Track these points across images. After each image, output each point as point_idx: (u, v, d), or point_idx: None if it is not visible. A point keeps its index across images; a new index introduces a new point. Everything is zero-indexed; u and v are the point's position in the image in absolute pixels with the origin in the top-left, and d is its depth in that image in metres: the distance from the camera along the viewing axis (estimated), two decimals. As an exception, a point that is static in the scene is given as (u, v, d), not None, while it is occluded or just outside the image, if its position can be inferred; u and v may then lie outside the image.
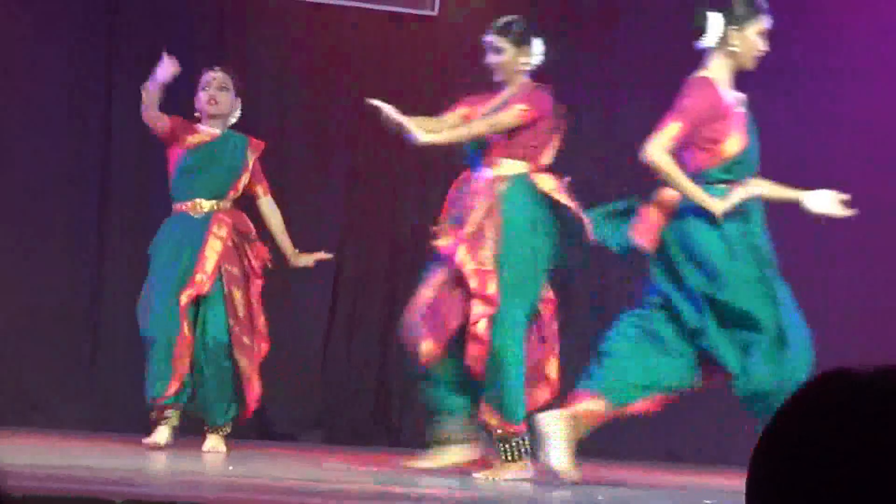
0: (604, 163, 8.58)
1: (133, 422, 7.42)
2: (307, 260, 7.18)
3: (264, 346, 7.07)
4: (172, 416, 6.96)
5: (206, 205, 7.05)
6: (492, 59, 6.62)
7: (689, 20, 6.45)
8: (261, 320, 7.08)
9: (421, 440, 8.24)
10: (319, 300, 8.53)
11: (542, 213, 6.40)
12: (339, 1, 8.66)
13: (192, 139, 7.09)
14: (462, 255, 6.28)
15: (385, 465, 6.89)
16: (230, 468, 6.44)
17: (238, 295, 6.98)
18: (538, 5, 8.89)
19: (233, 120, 7.21)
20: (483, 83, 8.62)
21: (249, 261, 7.05)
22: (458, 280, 6.35)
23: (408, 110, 8.68)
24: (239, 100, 7.19)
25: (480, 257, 6.26)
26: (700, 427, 8.73)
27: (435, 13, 8.70)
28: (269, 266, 7.12)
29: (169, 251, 6.98)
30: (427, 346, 6.46)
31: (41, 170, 8.30)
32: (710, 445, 8.53)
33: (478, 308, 6.24)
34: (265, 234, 7.24)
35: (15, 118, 8.21)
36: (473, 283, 6.23)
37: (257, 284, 7.08)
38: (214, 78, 7.07)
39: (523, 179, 6.40)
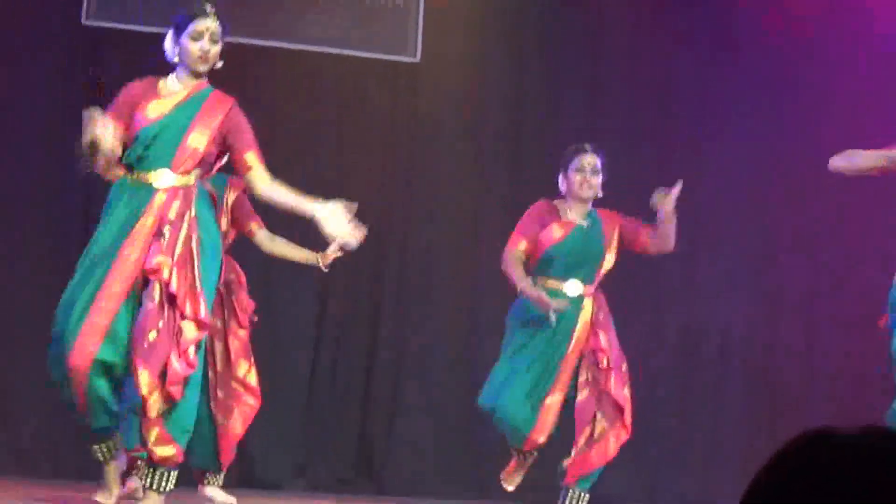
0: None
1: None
2: (333, 252, 6.84)
3: (252, 401, 6.76)
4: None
5: None
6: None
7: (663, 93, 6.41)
8: (246, 372, 6.76)
9: (404, 488, 8.23)
10: (302, 349, 8.47)
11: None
12: (322, 48, 8.61)
13: None
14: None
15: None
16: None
17: (219, 347, 6.72)
18: (522, 59, 8.90)
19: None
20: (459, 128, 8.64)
21: (234, 311, 6.79)
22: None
23: (389, 154, 8.72)
24: None
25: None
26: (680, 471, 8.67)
27: (417, 60, 8.72)
28: (254, 319, 6.88)
29: None
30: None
31: (24, 191, 8.26)
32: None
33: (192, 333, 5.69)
34: (251, 282, 7.09)
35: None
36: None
37: (241, 336, 6.79)
38: None
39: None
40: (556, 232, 6.77)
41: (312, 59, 8.68)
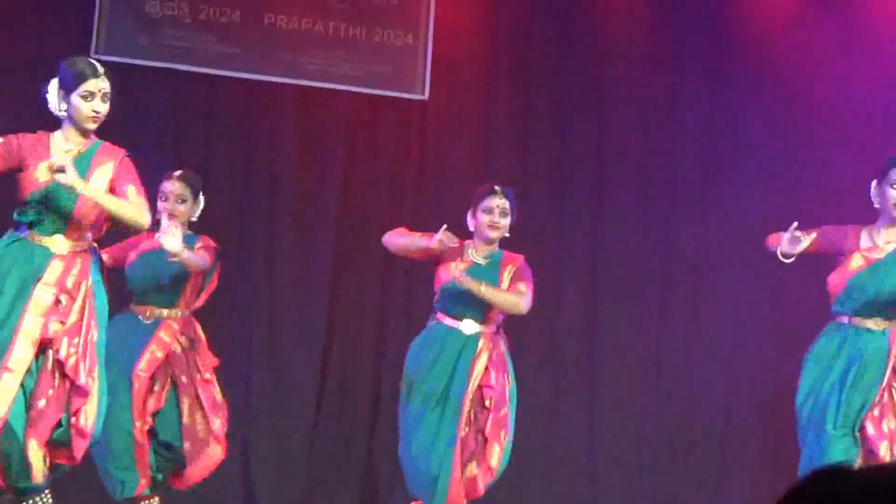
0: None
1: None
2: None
3: (219, 450, 6.85)
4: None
5: (156, 311, 6.87)
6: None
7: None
8: (216, 424, 6.85)
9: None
10: (308, 382, 8.41)
11: None
12: (332, 85, 8.60)
13: (144, 245, 6.90)
14: None
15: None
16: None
17: (186, 401, 6.80)
18: (529, 97, 8.88)
19: (193, 219, 6.98)
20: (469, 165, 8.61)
21: (197, 368, 6.86)
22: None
23: (397, 189, 8.72)
24: (201, 200, 6.98)
25: None
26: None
27: (425, 98, 8.73)
28: (214, 370, 6.92)
29: (113, 351, 6.68)
30: None
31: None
32: None
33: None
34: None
35: None
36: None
37: (210, 390, 6.87)
38: (171, 191, 6.84)
39: None
40: (456, 268, 6.80)
41: (322, 95, 8.68)
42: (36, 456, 5.45)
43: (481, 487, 6.73)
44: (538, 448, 8.38)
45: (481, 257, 6.88)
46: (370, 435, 8.57)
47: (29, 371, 5.48)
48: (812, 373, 6.34)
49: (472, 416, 6.75)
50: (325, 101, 8.68)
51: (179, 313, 6.91)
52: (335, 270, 8.58)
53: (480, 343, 6.78)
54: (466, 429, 6.73)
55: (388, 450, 8.48)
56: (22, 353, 5.46)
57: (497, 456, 6.72)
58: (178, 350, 6.83)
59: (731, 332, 8.86)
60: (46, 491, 5.65)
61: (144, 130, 8.07)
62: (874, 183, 6.36)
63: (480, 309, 6.79)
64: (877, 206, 6.36)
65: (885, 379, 6.24)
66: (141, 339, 6.77)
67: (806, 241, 6.24)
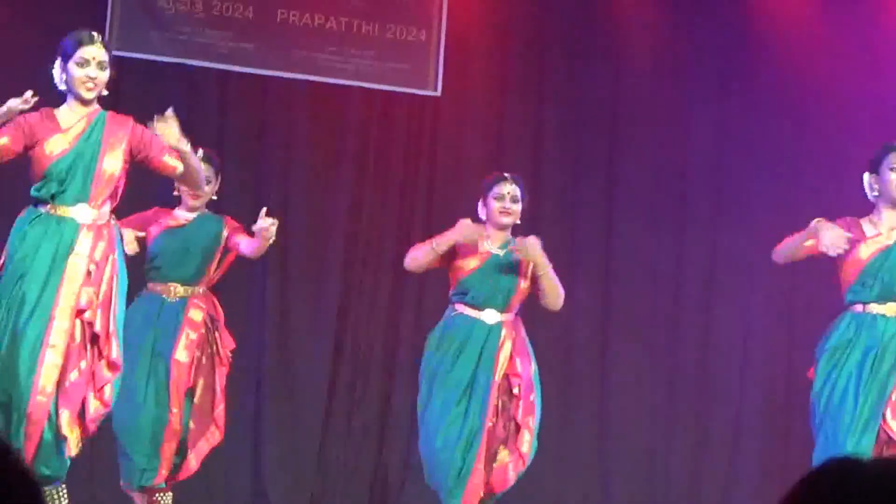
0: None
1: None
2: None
3: (218, 436, 6.82)
4: (164, 498, 6.74)
5: (180, 289, 6.84)
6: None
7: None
8: (220, 408, 6.82)
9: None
10: (318, 382, 8.38)
11: None
12: (345, 81, 8.59)
13: (168, 222, 6.91)
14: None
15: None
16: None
17: (200, 383, 6.76)
18: (542, 93, 8.86)
19: (213, 198, 6.96)
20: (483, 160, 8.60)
21: (217, 348, 6.83)
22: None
23: (409, 184, 8.71)
24: (218, 179, 6.97)
25: None
26: None
27: (438, 94, 8.72)
28: (230, 355, 6.89)
29: (141, 333, 6.67)
30: None
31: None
32: None
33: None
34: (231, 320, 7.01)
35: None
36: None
37: (222, 372, 6.84)
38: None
39: None
40: (471, 262, 6.77)
41: (336, 91, 8.68)
42: (69, 428, 5.47)
43: (512, 477, 6.68)
44: (548, 436, 8.34)
45: (497, 247, 6.81)
46: (381, 431, 8.56)
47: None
48: (827, 364, 6.29)
49: (500, 405, 6.70)
50: (338, 97, 8.68)
51: (202, 291, 6.88)
52: (347, 265, 8.57)
53: (503, 332, 6.75)
54: (494, 419, 6.69)
55: (398, 446, 8.48)
56: (63, 329, 5.47)
57: (528, 442, 6.69)
58: (203, 331, 6.81)
59: (742, 327, 8.85)
60: (63, 485, 5.64)
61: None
62: (867, 175, 6.32)
63: (502, 298, 6.77)
64: (874, 195, 6.31)
65: None
66: (170, 320, 6.74)
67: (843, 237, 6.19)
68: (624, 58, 8.93)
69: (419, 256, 6.83)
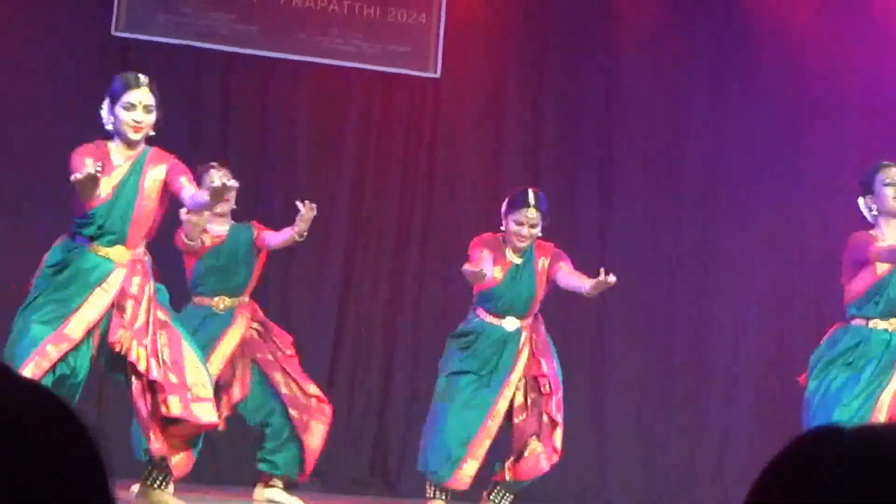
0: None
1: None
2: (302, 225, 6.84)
3: (327, 410, 7.20)
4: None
5: (227, 301, 7.09)
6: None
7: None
8: (311, 387, 7.16)
9: (418, 489, 8.16)
10: (321, 354, 8.44)
11: None
12: (347, 63, 8.66)
13: (206, 240, 7.06)
14: None
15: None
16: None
17: (278, 377, 7.10)
18: (539, 75, 8.93)
19: (233, 207, 7.17)
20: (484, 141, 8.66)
21: (276, 345, 7.14)
22: None
23: (410, 164, 8.79)
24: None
25: None
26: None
27: (438, 75, 8.79)
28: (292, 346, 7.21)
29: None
30: None
31: (54, 198, 8.23)
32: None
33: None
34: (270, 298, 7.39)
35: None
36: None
37: (294, 362, 7.18)
38: (220, 178, 6.93)
39: None
40: (496, 273, 6.95)
41: (338, 73, 8.75)
42: (158, 439, 5.85)
43: (545, 466, 6.92)
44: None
45: (518, 257, 7.02)
46: (382, 407, 8.64)
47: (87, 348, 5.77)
48: (824, 368, 6.31)
49: (530, 402, 6.93)
50: (341, 78, 8.75)
51: (246, 300, 7.15)
52: (349, 243, 8.62)
53: (522, 337, 6.97)
54: (523, 415, 6.92)
55: (399, 421, 8.57)
56: (74, 331, 5.68)
57: (560, 437, 6.91)
58: (255, 335, 7.09)
59: (735, 323, 8.95)
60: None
61: (162, 105, 8.09)
62: (862, 199, 6.38)
63: (522, 306, 6.97)
64: (872, 214, 6.36)
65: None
66: (219, 328, 6.98)
67: None
68: (622, 43, 8.99)
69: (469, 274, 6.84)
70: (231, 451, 8.03)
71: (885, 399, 6.22)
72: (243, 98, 8.68)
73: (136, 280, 5.79)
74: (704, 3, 9.09)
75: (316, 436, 7.14)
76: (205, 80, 8.59)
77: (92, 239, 5.78)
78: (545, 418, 6.92)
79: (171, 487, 6.11)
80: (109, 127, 5.83)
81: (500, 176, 8.70)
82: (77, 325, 5.68)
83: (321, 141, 8.67)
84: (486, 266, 6.74)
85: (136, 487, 6.45)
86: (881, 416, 6.19)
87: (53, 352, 5.62)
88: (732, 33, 9.04)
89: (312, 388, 7.15)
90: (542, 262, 7.00)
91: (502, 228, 7.00)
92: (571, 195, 8.78)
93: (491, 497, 7.01)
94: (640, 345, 8.87)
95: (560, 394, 6.95)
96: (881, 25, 8.98)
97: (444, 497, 6.96)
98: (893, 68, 8.91)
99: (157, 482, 6.01)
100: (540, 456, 6.91)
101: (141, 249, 5.87)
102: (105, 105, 5.86)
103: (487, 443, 6.85)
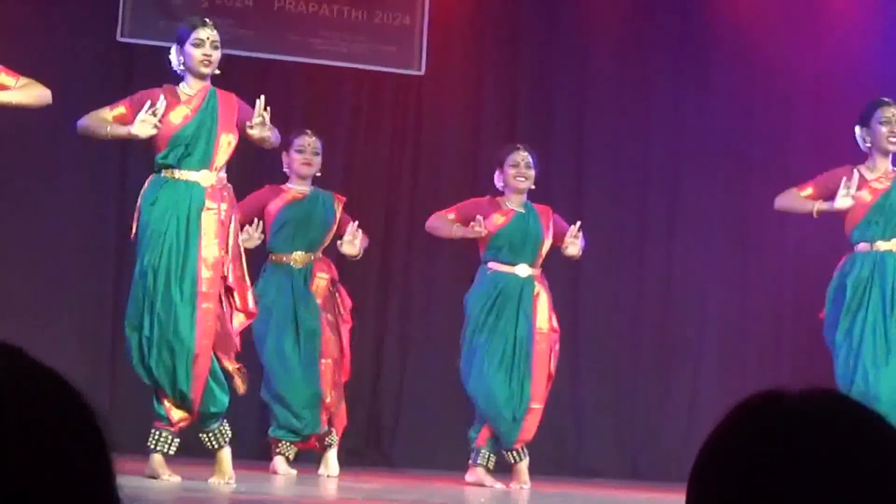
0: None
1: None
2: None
3: (343, 377, 7.33)
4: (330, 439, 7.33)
5: (304, 257, 7.27)
6: None
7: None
8: (346, 360, 7.31)
9: (412, 460, 8.41)
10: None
11: None
12: (337, 62, 8.92)
13: (287, 196, 7.35)
14: None
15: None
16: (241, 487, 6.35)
17: (332, 338, 7.20)
18: (517, 72, 9.10)
19: (317, 174, 7.45)
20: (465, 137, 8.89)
21: (339, 307, 7.31)
22: None
23: (396, 157, 8.97)
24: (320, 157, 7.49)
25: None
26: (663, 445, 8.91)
27: (422, 73, 9.05)
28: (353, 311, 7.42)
29: (279, 300, 7.15)
30: None
31: (60, 203, 8.44)
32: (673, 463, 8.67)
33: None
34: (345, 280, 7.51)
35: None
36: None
37: (346, 328, 7.33)
38: (309, 143, 7.30)
39: None
40: (498, 219, 7.18)
41: (329, 72, 9.00)
42: (233, 368, 6.01)
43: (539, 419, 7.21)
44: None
45: (518, 207, 7.24)
46: (375, 381, 8.86)
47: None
48: (845, 303, 6.57)
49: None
50: (331, 77, 9.02)
51: (321, 255, 7.34)
52: (338, 232, 8.80)
53: (536, 284, 7.16)
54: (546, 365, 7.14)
55: (392, 393, 8.79)
56: (208, 277, 5.95)
57: (547, 388, 7.20)
58: (326, 292, 7.26)
59: (700, 289, 9.24)
60: (225, 421, 6.16)
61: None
62: (858, 128, 6.74)
63: (531, 251, 7.17)
64: (866, 145, 6.72)
65: None
66: (300, 285, 7.19)
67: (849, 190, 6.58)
68: (592, 41, 9.26)
69: (438, 228, 7.25)
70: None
71: None
72: (241, 96, 8.83)
73: (224, 207, 6.04)
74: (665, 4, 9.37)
75: (342, 402, 7.29)
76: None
77: (179, 163, 6.04)
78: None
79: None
80: (181, 68, 6.18)
81: (480, 164, 8.92)
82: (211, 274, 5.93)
83: (315, 132, 8.84)
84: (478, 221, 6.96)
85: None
86: None
87: None
88: (694, 28, 9.33)
89: (345, 361, 7.30)
90: (547, 219, 7.23)
91: (499, 186, 7.20)
92: (546, 181, 8.97)
93: (480, 463, 7.17)
94: (612, 317, 9.14)
95: (557, 346, 7.19)
96: (830, 23, 9.31)
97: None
98: (838, 57, 9.22)
99: (168, 445, 6.04)
100: (538, 412, 7.14)
101: (224, 176, 6.14)
102: (173, 50, 6.22)
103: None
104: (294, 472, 7.16)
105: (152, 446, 6.03)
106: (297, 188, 7.38)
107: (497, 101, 9.20)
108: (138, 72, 8.47)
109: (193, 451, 6.35)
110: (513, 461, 7.20)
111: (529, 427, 7.16)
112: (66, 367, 1.14)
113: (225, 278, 5.97)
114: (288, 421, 7.12)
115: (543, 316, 7.13)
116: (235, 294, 5.99)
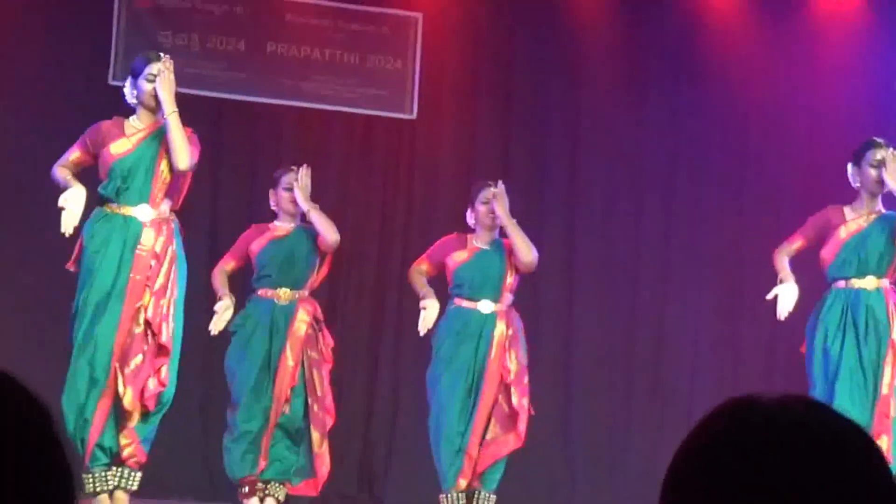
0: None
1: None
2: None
3: (329, 420, 7.20)
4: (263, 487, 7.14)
5: (289, 294, 7.18)
6: None
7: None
8: (328, 398, 7.20)
9: (404, 502, 8.30)
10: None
11: None
12: (324, 105, 8.88)
13: (272, 234, 7.28)
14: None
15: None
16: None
17: (316, 376, 7.12)
18: (509, 116, 9.09)
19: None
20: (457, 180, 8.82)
21: (321, 346, 7.21)
22: None
23: (388, 200, 8.92)
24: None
25: None
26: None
27: (414, 116, 9.04)
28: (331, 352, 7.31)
29: (257, 334, 7.08)
30: None
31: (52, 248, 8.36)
32: None
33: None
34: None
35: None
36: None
37: (327, 367, 7.24)
38: (297, 179, 7.19)
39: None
40: (460, 256, 7.25)
41: (319, 116, 9.01)
42: (133, 404, 5.90)
43: (504, 452, 7.08)
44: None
45: (485, 245, 7.28)
46: (367, 425, 8.81)
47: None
48: (822, 337, 6.63)
49: (499, 389, 7.12)
50: (323, 120, 9.02)
51: (307, 294, 7.25)
52: (332, 276, 8.71)
53: (498, 320, 7.17)
54: (494, 401, 7.10)
55: (383, 436, 8.70)
56: (130, 319, 5.93)
57: (524, 422, 7.11)
58: (311, 331, 7.16)
59: (694, 319, 9.19)
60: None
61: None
62: (850, 165, 6.77)
63: (493, 287, 7.19)
64: (856, 185, 6.76)
65: (892, 332, 6.60)
66: (282, 323, 7.09)
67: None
68: (585, 84, 9.27)
69: (413, 284, 7.36)
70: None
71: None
72: (233, 139, 8.84)
73: (161, 240, 6.01)
74: (658, 18, 9.32)
75: (323, 440, 7.16)
76: (198, 124, 8.69)
77: (117, 195, 6.01)
78: (505, 408, 7.09)
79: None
80: (133, 101, 6.17)
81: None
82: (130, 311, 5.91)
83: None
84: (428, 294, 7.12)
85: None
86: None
87: None
88: (685, 43, 9.32)
89: (328, 400, 7.17)
90: (510, 250, 7.21)
91: (471, 224, 7.25)
92: (539, 222, 8.88)
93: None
94: (604, 349, 9.09)
95: (525, 381, 7.14)
96: (821, 37, 9.31)
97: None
98: (833, 76, 9.18)
99: (127, 481, 5.98)
100: (502, 442, 7.08)
101: (166, 209, 6.09)
102: (128, 83, 6.22)
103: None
104: None
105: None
106: (282, 225, 7.29)
107: (490, 144, 9.20)
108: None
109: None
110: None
111: (484, 458, 7.08)
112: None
113: (146, 311, 5.95)
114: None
115: (497, 351, 7.11)
116: (157, 329, 5.96)
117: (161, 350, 5.98)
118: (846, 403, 6.38)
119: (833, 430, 1.20)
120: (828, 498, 1.16)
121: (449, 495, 7.07)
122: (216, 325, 6.95)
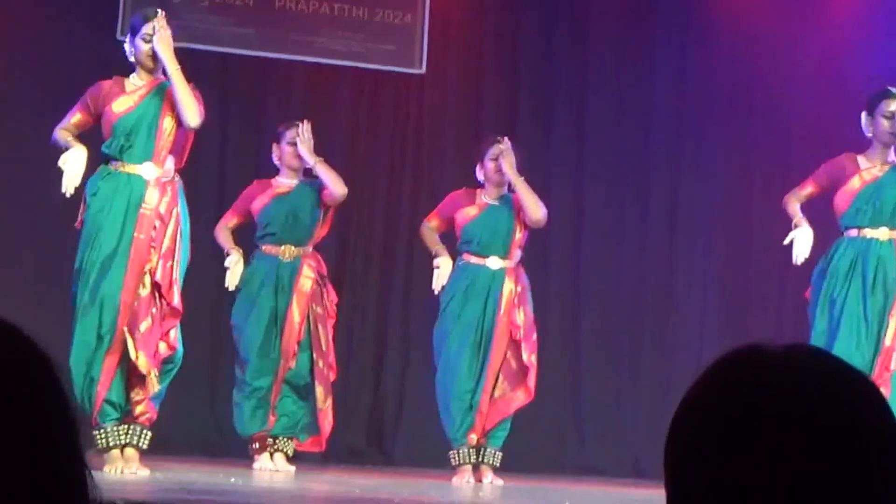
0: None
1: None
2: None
3: (332, 376, 7.22)
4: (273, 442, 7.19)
5: (294, 251, 7.16)
6: None
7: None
8: (332, 354, 7.21)
9: (413, 458, 8.30)
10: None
11: None
12: (333, 60, 8.81)
13: (275, 190, 7.27)
14: None
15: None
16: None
17: (321, 331, 7.14)
18: (516, 68, 9.03)
19: (307, 166, 7.33)
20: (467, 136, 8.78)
21: (325, 301, 7.21)
22: None
23: (397, 154, 8.89)
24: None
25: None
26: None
27: (423, 71, 8.99)
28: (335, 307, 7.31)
29: (263, 291, 7.08)
30: None
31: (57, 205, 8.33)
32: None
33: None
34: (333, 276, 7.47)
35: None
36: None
37: (331, 323, 7.26)
38: (301, 132, 7.15)
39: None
40: (470, 211, 7.23)
41: (327, 71, 8.96)
42: (147, 368, 5.86)
43: (512, 408, 7.09)
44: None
45: (494, 200, 7.25)
46: (376, 381, 8.81)
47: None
48: (829, 285, 6.58)
49: (507, 346, 7.12)
50: (331, 75, 8.99)
51: (311, 250, 7.23)
52: (342, 231, 8.70)
53: (506, 277, 7.14)
54: (503, 357, 7.09)
55: (393, 392, 8.69)
56: (135, 278, 5.88)
57: (533, 377, 7.12)
58: (315, 286, 7.16)
59: (701, 277, 9.11)
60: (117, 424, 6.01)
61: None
62: (864, 114, 6.70)
63: (502, 243, 7.16)
64: (868, 134, 6.71)
65: None
66: (287, 279, 7.09)
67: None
68: (592, 33, 9.22)
69: (424, 240, 7.34)
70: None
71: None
72: (241, 96, 8.82)
73: (166, 201, 5.97)
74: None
75: (328, 396, 7.16)
76: (205, 80, 8.66)
77: (121, 153, 5.97)
78: (513, 364, 7.09)
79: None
80: (132, 59, 6.14)
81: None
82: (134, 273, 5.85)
83: (316, 131, 8.73)
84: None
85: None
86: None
87: None
88: (690, 24, 9.25)
89: (330, 358, 7.17)
90: (519, 206, 7.18)
91: (480, 179, 7.22)
92: (546, 177, 8.84)
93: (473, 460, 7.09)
94: (612, 305, 9.07)
95: (533, 338, 7.13)
96: (826, 25, 9.20)
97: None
98: (840, 45, 9.09)
99: (139, 438, 5.98)
100: (511, 399, 7.09)
101: (170, 168, 6.05)
102: (127, 39, 6.20)
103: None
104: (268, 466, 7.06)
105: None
106: (285, 181, 7.24)
107: (498, 99, 9.16)
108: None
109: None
110: (477, 460, 7.13)
111: (492, 416, 7.09)
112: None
113: (153, 274, 5.91)
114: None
115: (506, 308, 7.10)
116: (166, 291, 5.92)
117: (172, 312, 5.97)
118: (846, 352, 6.31)
119: (837, 378, 1.19)
120: (832, 446, 1.15)
121: (460, 451, 7.09)
122: (231, 280, 6.96)
